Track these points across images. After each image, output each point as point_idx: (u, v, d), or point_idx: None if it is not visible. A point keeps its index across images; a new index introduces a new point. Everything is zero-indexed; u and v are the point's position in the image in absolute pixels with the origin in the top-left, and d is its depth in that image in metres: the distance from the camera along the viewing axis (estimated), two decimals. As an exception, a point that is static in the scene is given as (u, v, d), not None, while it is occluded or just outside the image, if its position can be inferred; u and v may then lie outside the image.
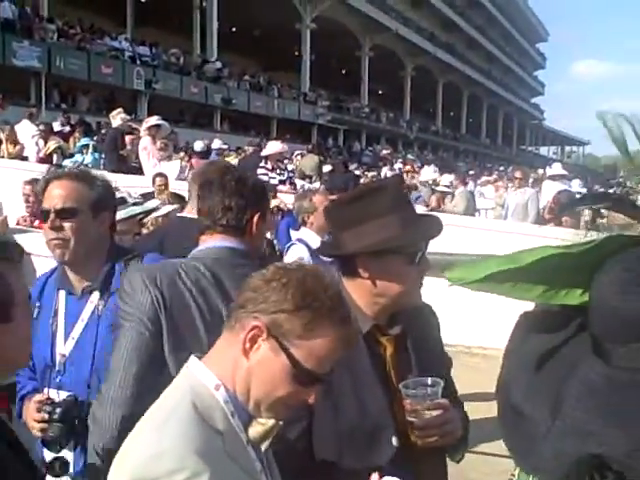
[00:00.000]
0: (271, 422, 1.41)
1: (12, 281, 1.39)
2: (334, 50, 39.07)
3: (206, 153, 11.75)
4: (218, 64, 30.67)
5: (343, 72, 44.72)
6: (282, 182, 9.26)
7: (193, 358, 1.46)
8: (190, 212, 3.08)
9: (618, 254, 1.04)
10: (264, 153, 9.73)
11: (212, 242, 2.10)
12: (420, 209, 8.42)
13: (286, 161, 13.97)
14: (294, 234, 4.99)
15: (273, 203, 5.43)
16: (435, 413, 1.73)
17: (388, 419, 1.78)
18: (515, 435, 1.07)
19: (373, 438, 1.77)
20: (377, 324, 1.86)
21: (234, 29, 33.69)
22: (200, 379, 1.41)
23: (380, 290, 1.81)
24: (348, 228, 1.82)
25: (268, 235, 5.83)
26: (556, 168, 12.42)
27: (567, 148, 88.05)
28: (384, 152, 29.60)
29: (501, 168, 36.48)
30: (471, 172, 27.46)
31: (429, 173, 13.16)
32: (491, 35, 60.18)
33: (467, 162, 44.13)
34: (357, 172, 17.62)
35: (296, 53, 37.33)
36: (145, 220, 4.83)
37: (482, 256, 1.15)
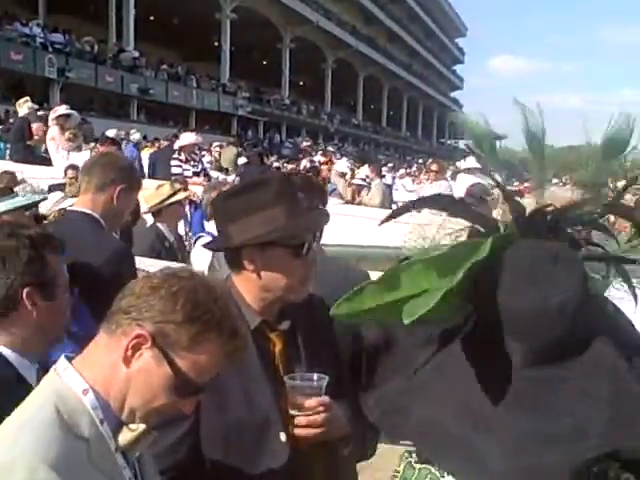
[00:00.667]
0: (141, 428, 1.35)
1: (56, 267, 1.81)
2: (255, 41, 38.75)
3: (116, 142, 11.39)
4: (135, 53, 29.92)
5: (264, 63, 44.43)
6: (196, 174, 9.08)
7: (62, 359, 1.37)
8: (83, 205, 2.96)
9: (496, 256, 1.05)
10: (177, 145, 9.53)
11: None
12: (335, 202, 8.42)
13: (204, 152, 13.77)
14: (207, 225, 4.95)
15: (183, 195, 5.32)
16: (317, 407, 1.71)
17: (276, 414, 1.76)
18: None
19: (262, 434, 1.75)
20: (265, 320, 1.83)
21: (152, 17, 32.97)
22: (67, 382, 1.33)
23: (266, 283, 1.79)
24: (234, 221, 1.79)
25: (181, 227, 5.79)
26: (470, 161, 12.64)
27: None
28: (304, 144, 29.66)
29: (420, 161, 37.19)
30: (390, 165, 27.84)
31: (342, 166, 13.20)
32: (412, 30, 61.08)
33: (388, 155, 44.73)
34: (276, 164, 17.53)
35: (216, 43, 36.84)
36: (47, 213, 4.67)
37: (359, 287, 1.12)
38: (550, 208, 1.09)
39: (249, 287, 1.81)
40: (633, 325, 1.14)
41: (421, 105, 65.93)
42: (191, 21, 33.38)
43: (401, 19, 57.81)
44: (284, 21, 39.50)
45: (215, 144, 16.30)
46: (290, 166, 17.62)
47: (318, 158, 23.10)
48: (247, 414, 1.74)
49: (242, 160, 12.90)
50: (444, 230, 1.14)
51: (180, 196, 5.16)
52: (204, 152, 13.87)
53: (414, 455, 1.18)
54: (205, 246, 2.35)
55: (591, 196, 1.01)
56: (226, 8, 34.58)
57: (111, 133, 12.72)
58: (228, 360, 1.39)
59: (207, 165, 11.32)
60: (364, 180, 11.04)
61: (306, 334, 1.89)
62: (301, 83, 49.05)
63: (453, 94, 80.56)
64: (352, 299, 1.13)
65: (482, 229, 1.11)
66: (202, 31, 35.21)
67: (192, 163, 9.14)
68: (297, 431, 1.72)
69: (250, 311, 1.79)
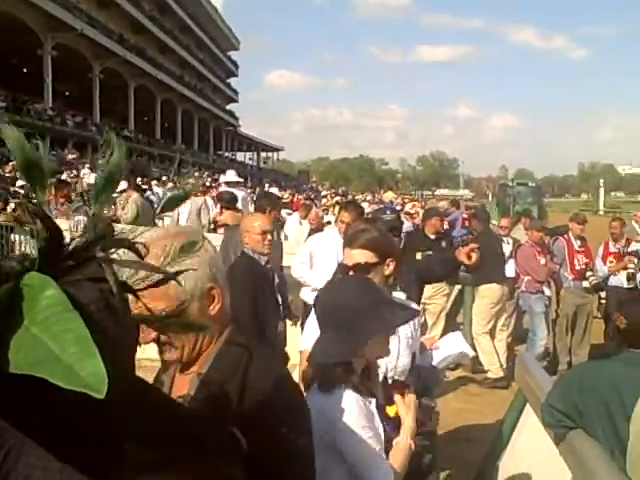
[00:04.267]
0: None
1: None
2: (13, 47, 36.10)
3: None
4: None
5: (24, 71, 41.58)
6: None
7: None
8: None
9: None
10: None
11: None
12: (81, 218, 8.06)
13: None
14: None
15: None
16: None
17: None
18: None
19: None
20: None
21: None
22: None
23: None
24: None
25: None
26: (230, 175, 12.88)
27: (263, 154, 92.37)
28: (70, 157, 28.18)
29: (196, 174, 37.02)
30: (164, 178, 27.40)
31: (89, 178, 12.75)
32: (183, 41, 60.69)
33: (163, 167, 43.93)
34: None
35: (-35, 48, 33.79)
36: None
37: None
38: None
39: None
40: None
41: (196, 117, 65.71)
42: None
43: (172, 30, 57.25)
44: (44, 27, 37.19)
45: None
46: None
47: (84, 171, 22.11)
48: None
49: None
50: None
51: None
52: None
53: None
54: None
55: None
56: (-24, 10, 31.87)
57: None
58: None
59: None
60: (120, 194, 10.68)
61: None
62: (67, 93, 46.58)
63: (229, 107, 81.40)
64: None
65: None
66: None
67: None
68: None
69: None
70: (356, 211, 5.67)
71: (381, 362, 2.58)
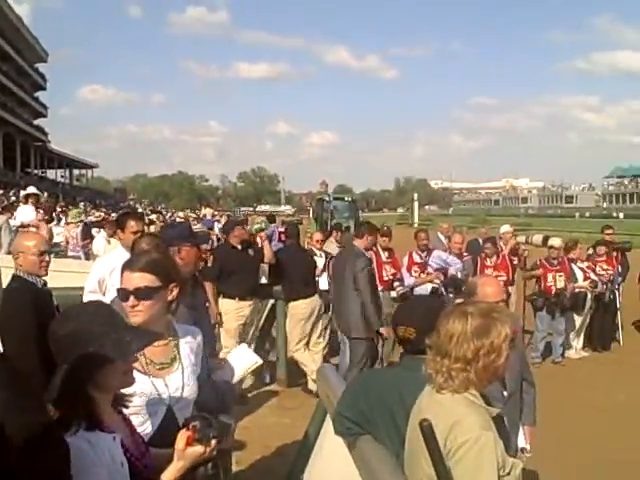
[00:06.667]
0: None
1: None
2: None
3: None
4: None
5: None
6: None
7: None
8: None
9: None
10: None
11: None
12: None
13: None
14: None
15: None
16: None
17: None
18: None
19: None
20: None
21: None
22: None
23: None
24: None
25: None
26: (30, 189, 12.26)
27: (76, 171, 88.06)
28: None
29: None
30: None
31: None
32: (-16, 51, 56.62)
33: (-38, 186, 40.51)
34: None
35: None
36: None
37: None
38: None
39: None
40: None
41: (1, 133, 61.37)
42: None
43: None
44: None
45: None
46: None
47: None
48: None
49: None
50: None
51: None
52: None
53: None
54: None
55: None
56: None
57: None
58: None
59: None
60: None
61: None
62: None
63: (37, 122, 76.85)
64: None
65: None
66: None
67: None
68: None
69: None
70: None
71: (164, 393, 2.50)
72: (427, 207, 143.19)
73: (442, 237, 12.47)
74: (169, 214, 34.65)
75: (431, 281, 9.36)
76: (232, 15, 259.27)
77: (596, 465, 5.92)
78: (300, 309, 8.30)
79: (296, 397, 7.73)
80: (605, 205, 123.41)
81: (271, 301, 8.72)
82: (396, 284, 9.31)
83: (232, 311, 7.69)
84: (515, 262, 10.75)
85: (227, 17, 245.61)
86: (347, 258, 7.92)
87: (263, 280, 9.10)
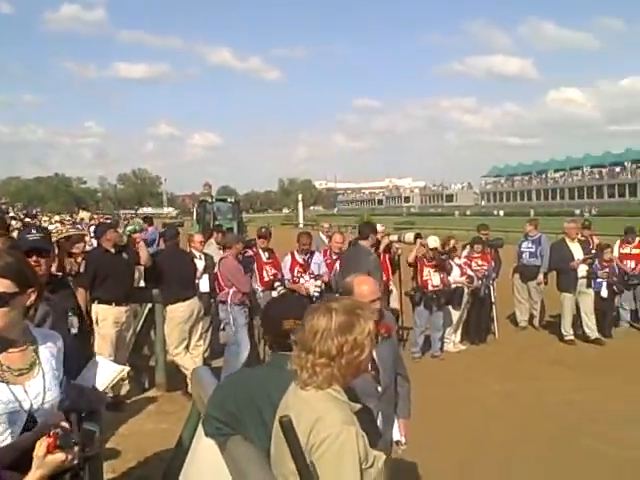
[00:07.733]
0: None
1: None
2: None
3: None
4: None
5: None
6: None
7: None
8: None
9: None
10: None
11: None
12: None
13: None
14: None
15: None
16: None
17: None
18: None
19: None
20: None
21: None
22: None
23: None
24: None
25: None
26: None
27: None
28: None
29: None
30: None
31: None
32: None
33: None
34: None
35: None
36: None
37: None
38: None
39: None
40: None
41: None
42: None
43: None
44: None
45: None
46: None
47: None
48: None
49: None
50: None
51: None
52: None
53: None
54: None
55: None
56: None
57: None
58: None
59: None
60: None
61: None
62: None
63: None
64: None
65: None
66: None
67: None
68: None
69: None
70: None
71: (24, 400, 2.39)
72: (312, 207, 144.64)
73: (323, 237, 12.66)
74: (45, 218, 33.02)
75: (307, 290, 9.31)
76: (109, 14, 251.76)
77: (474, 455, 6.18)
78: (178, 312, 8.17)
79: (176, 401, 7.60)
80: (483, 203, 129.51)
81: (149, 305, 8.53)
82: (277, 284, 9.36)
83: (109, 316, 7.45)
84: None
85: (104, 16, 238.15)
86: (358, 256, 8.71)
87: (141, 283, 8.90)
